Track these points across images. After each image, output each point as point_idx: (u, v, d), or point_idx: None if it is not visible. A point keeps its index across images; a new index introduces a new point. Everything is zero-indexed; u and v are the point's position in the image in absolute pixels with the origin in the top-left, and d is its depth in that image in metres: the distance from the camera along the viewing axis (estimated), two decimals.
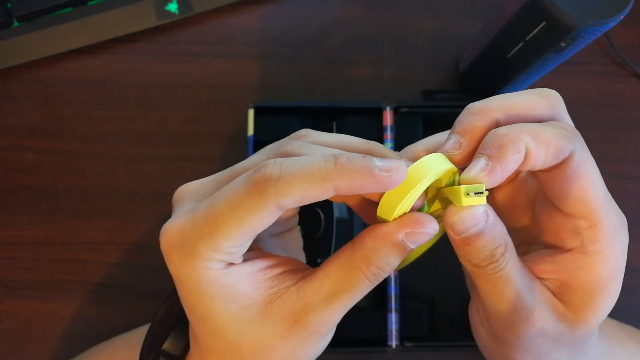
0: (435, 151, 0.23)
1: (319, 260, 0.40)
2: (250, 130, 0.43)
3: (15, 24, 0.48)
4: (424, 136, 0.44)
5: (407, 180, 0.22)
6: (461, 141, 0.23)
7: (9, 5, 0.47)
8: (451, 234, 0.23)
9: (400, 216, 0.22)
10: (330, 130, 0.44)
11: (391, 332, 0.41)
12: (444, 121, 0.47)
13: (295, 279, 0.24)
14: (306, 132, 0.25)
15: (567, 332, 0.25)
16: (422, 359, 0.46)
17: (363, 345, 0.42)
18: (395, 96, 0.47)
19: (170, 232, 0.23)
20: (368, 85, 0.49)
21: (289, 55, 0.50)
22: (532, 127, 0.22)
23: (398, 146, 0.43)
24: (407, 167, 0.22)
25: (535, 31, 0.35)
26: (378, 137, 0.43)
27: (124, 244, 0.47)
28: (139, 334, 0.32)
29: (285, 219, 0.28)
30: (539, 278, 0.25)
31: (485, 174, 0.21)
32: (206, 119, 0.48)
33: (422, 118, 0.44)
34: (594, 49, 0.50)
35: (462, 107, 0.45)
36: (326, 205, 0.42)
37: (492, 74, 0.44)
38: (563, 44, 0.35)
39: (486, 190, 0.22)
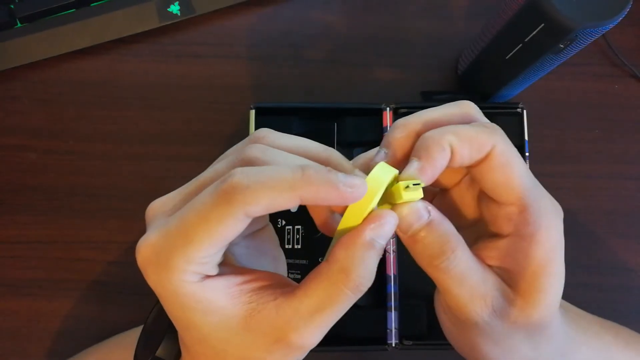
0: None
1: (320, 260, 0.41)
2: (252, 131, 0.43)
3: (19, 25, 0.48)
4: None
5: (367, 192, 0.23)
6: (387, 152, 0.26)
7: (12, 6, 0.47)
8: (401, 235, 0.25)
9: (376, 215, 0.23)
10: (331, 132, 0.44)
11: (391, 330, 0.41)
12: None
13: (273, 295, 0.24)
14: (265, 133, 0.26)
15: (520, 316, 0.26)
16: (422, 357, 0.47)
17: (363, 344, 0.42)
18: (395, 97, 0.47)
19: (144, 248, 0.23)
20: (368, 86, 0.50)
21: (289, 57, 0.50)
22: (454, 127, 0.25)
23: None
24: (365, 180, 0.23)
25: (533, 33, 0.35)
26: (378, 137, 0.43)
27: (126, 243, 0.47)
28: (133, 336, 0.32)
29: (255, 220, 0.28)
30: (488, 266, 0.27)
31: (417, 173, 0.24)
32: (207, 120, 0.49)
33: None
34: (592, 50, 0.50)
35: None
36: None
37: (490, 75, 0.44)
38: (561, 46, 0.35)
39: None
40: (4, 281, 0.47)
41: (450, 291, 0.26)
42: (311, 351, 0.36)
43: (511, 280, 0.26)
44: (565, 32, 0.33)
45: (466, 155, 0.24)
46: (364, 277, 0.23)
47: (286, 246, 0.44)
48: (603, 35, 0.49)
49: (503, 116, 0.44)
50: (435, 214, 0.25)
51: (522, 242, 0.25)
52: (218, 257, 0.24)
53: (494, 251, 0.27)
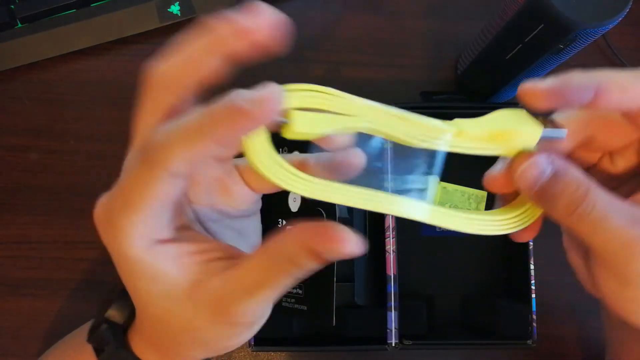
0: None
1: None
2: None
3: (19, 25, 0.48)
4: None
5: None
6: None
7: (12, 6, 0.47)
8: (530, 193, 0.23)
9: (320, 226, 0.20)
10: None
11: (391, 330, 0.41)
12: None
13: (223, 267, 0.23)
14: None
15: None
16: (421, 357, 0.47)
17: (363, 344, 0.42)
18: (395, 97, 0.47)
19: (98, 206, 0.24)
20: (368, 86, 0.50)
21: (289, 56, 0.50)
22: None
23: (398, 146, 0.43)
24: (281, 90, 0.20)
25: (533, 33, 0.35)
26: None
27: None
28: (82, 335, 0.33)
29: (246, 205, 0.28)
30: None
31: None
32: None
33: None
34: (592, 50, 0.50)
35: (460, 108, 0.45)
36: (328, 205, 0.42)
37: (490, 75, 0.44)
38: (561, 46, 0.35)
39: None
40: (4, 281, 0.47)
41: (594, 244, 0.22)
42: (312, 351, 0.36)
43: None
44: (565, 32, 0.33)
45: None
46: (302, 270, 0.22)
47: None
48: (603, 35, 0.49)
49: None
50: (561, 162, 0.23)
51: None
52: (165, 221, 0.23)
53: None
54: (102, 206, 0.24)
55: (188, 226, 0.25)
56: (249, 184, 0.27)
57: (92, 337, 0.30)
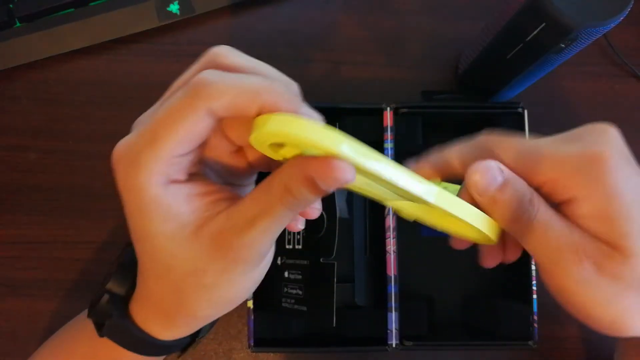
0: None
1: (322, 260, 0.41)
2: None
3: (18, 24, 0.48)
4: (424, 136, 0.45)
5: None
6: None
7: (11, 5, 0.47)
8: (479, 199, 0.25)
9: (324, 156, 0.21)
10: None
11: (391, 331, 0.41)
12: (443, 122, 0.47)
13: (227, 205, 0.25)
14: (224, 51, 0.26)
15: (625, 270, 0.24)
16: (422, 358, 0.47)
17: (363, 344, 0.42)
18: (395, 97, 0.47)
19: (119, 147, 0.25)
20: (368, 86, 0.50)
21: (289, 56, 0.50)
22: None
23: (398, 146, 0.43)
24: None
25: (534, 32, 0.35)
26: (378, 137, 0.43)
27: (125, 244, 0.47)
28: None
29: (247, 179, 0.29)
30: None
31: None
32: None
33: (422, 118, 0.44)
34: (593, 49, 0.50)
35: (461, 107, 0.45)
36: (329, 205, 0.42)
37: (491, 75, 0.44)
38: (562, 45, 0.35)
39: None
40: (3, 281, 0.47)
41: (538, 249, 0.25)
42: (312, 352, 0.36)
43: (599, 237, 0.25)
44: (566, 31, 0.33)
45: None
46: (298, 200, 0.22)
47: (287, 246, 0.44)
48: (604, 34, 0.49)
49: (504, 116, 0.44)
50: (509, 173, 0.25)
51: (599, 199, 0.25)
52: (186, 161, 0.24)
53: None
54: (124, 146, 0.25)
55: (198, 173, 0.26)
56: (252, 162, 0.28)
57: (93, 311, 0.30)
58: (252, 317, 0.41)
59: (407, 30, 0.50)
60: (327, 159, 0.21)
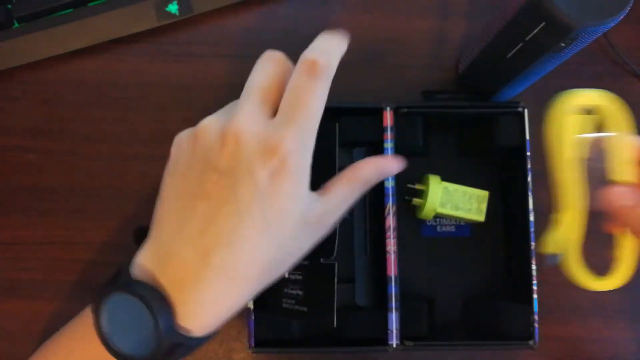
0: None
1: (322, 260, 0.41)
2: None
3: (16, 25, 0.48)
4: (424, 136, 0.45)
5: None
6: None
7: (9, 6, 0.47)
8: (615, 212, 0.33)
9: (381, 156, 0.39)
10: (333, 132, 0.44)
11: (391, 331, 0.41)
12: (443, 121, 0.47)
13: (319, 194, 0.31)
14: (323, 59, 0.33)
15: None
16: (423, 358, 0.47)
17: (364, 345, 0.42)
18: (396, 96, 0.47)
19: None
20: (368, 85, 0.49)
21: (289, 56, 0.50)
22: None
23: (398, 146, 0.43)
24: None
25: (534, 31, 0.35)
26: (378, 136, 0.43)
27: (125, 245, 0.47)
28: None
29: None
30: None
31: None
32: None
33: (422, 118, 0.44)
34: (593, 49, 0.50)
35: (461, 107, 0.45)
36: None
37: (491, 74, 0.44)
38: (562, 45, 0.35)
39: None
40: (2, 282, 0.47)
41: None
42: (312, 352, 0.36)
43: None
44: (567, 31, 0.33)
45: None
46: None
47: None
48: (604, 34, 0.49)
49: (504, 116, 0.44)
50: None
51: None
52: None
53: None
54: (288, 137, 0.29)
55: None
56: None
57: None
58: (252, 317, 0.41)
59: (407, 30, 0.50)
60: (387, 158, 0.35)
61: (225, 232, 0.28)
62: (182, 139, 0.31)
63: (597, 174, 0.34)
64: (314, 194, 0.30)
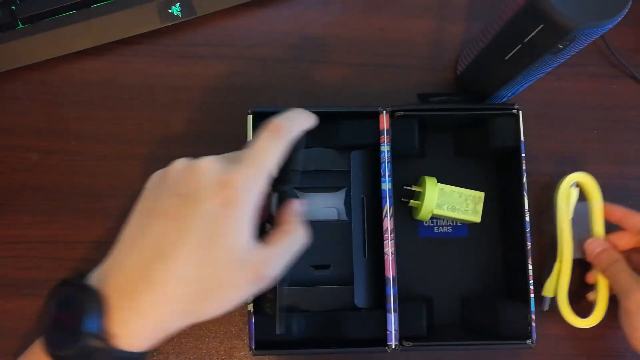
0: None
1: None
2: (250, 136, 0.43)
3: (20, 25, 0.48)
4: (420, 139, 0.45)
5: None
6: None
7: (13, 7, 0.47)
8: (588, 256, 0.46)
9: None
10: (330, 135, 0.44)
11: (390, 332, 0.41)
12: (439, 124, 0.48)
13: (261, 243, 0.32)
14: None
15: None
16: (422, 358, 0.47)
17: (363, 345, 0.42)
18: (394, 98, 0.47)
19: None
20: (368, 86, 0.50)
21: (289, 58, 0.50)
22: None
23: (394, 149, 0.43)
24: None
25: (533, 33, 0.35)
26: (375, 140, 0.43)
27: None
28: None
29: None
30: None
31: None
32: (208, 120, 0.49)
33: (418, 121, 0.44)
34: (591, 50, 0.50)
35: (457, 109, 0.45)
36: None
37: (489, 75, 0.44)
38: (560, 46, 0.35)
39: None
40: (5, 281, 0.47)
41: (616, 286, 0.43)
42: (312, 354, 0.36)
43: None
44: (565, 32, 0.33)
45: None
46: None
47: None
48: (602, 35, 0.49)
49: (499, 117, 0.44)
50: (608, 246, 0.45)
51: None
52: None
53: None
54: (236, 177, 0.31)
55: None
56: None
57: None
58: (253, 320, 0.41)
59: (406, 31, 0.51)
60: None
61: (166, 246, 0.30)
62: (157, 173, 0.34)
63: (580, 230, 0.46)
64: (257, 240, 0.31)
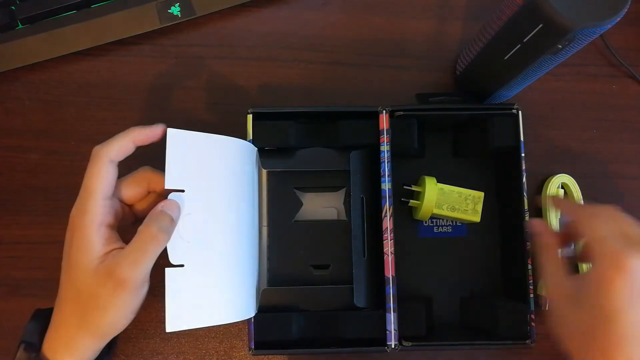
0: None
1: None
2: (250, 135, 0.43)
3: (20, 26, 0.48)
4: (419, 138, 0.45)
5: None
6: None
7: (13, 7, 0.47)
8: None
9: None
10: (329, 135, 0.44)
11: (390, 332, 0.41)
12: (438, 124, 0.48)
13: (118, 250, 0.36)
14: None
15: None
16: (421, 358, 0.47)
17: (362, 345, 0.42)
18: (393, 98, 0.47)
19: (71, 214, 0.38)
20: (367, 87, 0.50)
21: (289, 58, 0.50)
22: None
23: (394, 149, 0.43)
24: None
25: (532, 33, 0.35)
26: (374, 139, 0.43)
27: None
28: None
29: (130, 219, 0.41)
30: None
31: None
32: (208, 120, 0.49)
33: (417, 121, 0.44)
34: (590, 50, 0.50)
35: (456, 109, 0.45)
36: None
37: (489, 75, 0.44)
38: (560, 46, 0.35)
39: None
40: (5, 281, 0.47)
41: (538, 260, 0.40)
42: (312, 354, 0.36)
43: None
44: (564, 32, 0.33)
45: None
46: (165, 242, 0.36)
47: None
48: (601, 35, 0.49)
49: (498, 117, 0.44)
50: (543, 227, 0.40)
51: None
52: (110, 206, 0.37)
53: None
54: (73, 210, 0.37)
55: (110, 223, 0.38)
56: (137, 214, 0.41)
57: None
58: (252, 320, 0.41)
59: (406, 32, 0.51)
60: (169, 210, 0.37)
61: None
62: None
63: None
64: (107, 250, 0.36)
